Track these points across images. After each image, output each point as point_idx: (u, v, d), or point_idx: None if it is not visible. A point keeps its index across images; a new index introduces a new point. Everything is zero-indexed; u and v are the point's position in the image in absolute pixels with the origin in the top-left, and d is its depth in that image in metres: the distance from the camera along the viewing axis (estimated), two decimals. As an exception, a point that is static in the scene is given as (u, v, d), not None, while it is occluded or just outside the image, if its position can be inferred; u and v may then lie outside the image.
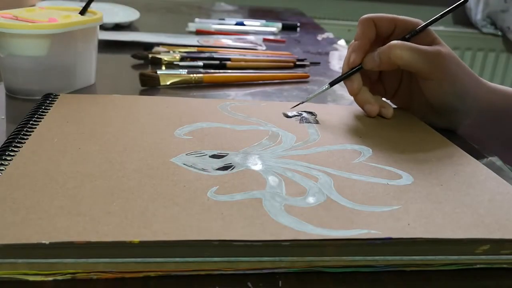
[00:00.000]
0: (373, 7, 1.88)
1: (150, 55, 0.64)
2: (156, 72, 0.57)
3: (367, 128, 0.44)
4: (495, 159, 0.43)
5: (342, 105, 0.54)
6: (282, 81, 0.63)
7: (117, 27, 0.86)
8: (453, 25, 2.00)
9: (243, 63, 0.65)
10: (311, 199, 0.31)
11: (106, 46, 0.72)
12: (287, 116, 0.46)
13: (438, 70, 0.45)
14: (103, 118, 0.42)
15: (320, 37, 0.98)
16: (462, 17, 1.98)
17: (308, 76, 0.65)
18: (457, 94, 0.46)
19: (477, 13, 1.90)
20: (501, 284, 0.28)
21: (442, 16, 0.47)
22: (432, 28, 0.47)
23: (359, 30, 0.47)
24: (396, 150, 0.40)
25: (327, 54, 0.83)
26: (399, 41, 0.45)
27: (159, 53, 0.66)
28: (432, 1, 1.82)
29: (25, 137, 0.37)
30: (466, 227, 0.29)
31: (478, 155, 0.41)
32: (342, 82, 0.49)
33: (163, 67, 0.64)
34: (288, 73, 0.66)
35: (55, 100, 0.45)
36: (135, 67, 0.64)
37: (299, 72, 0.67)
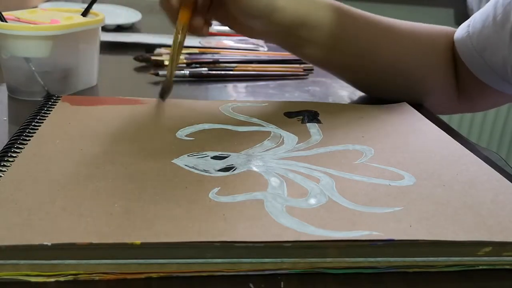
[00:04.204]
0: (373, 7, 1.88)
1: (152, 58, 0.64)
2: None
3: (369, 127, 0.44)
4: (496, 158, 0.43)
5: (344, 104, 0.54)
6: (283, 82, 0.63)
7: (119, 28, 0.86)
8: (454, 25, 2.00)
9: (249, 68, 0.65)
10: (312, 201, 0.31)
11: (108, 48, 0.72)
12: (289, 116, 0.46)
13: None
14: (105, 120, 0.42)
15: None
16: (464, 17, 1.99)
17: (302, 70, 0.66)
18: (258, 7, 0.45)
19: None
20: (503, 285, 0.28)
21: None
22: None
23: None
24: (398, 150, 0.40)
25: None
26: None
27: (161, 55, 0.66)
28: (433, 2, 1.82)
29: (27, 138, 0.37)
30: (468, 229, 0.29)
31: (480, 154, 0.41)
32: None
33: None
34: (284, 67, 0.66)
35: (57, 102, 0.45)
36: (137, 69, 0.64)
37: (304, 75, 0.66)
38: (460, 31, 0.54)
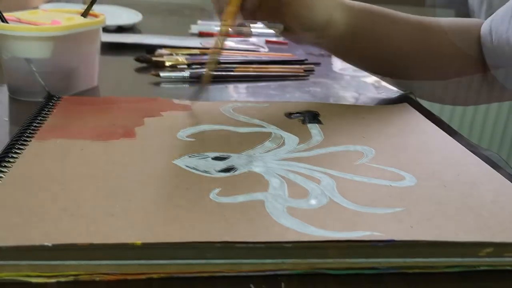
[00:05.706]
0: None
1: (153, 58, 0.64)
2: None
3: (370, 128, 0.44)
4: (497, 159, 0.43)
5: (345, 104, 0.54)
6: (284, 83, 0.63)
7: (120, 29, 0.86)
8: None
9: (250, 70, 0.65)
10: (313, 201, 0.31)
11: (108, 48, 0.72)
12: (290, 117, 0.46)
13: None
14: (105, 120, 0.42)
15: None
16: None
17: (303, 71, 0.66)
18: (315, 20, 0.48)
19: (480, 14, 1.90)
20: (504, 286, 0.28)
21: None
22: None
23: None
24: (399, 150, 0.40)
25: (329, 55, 0.83)
26: None
27: (162, 56, 0.66)
28: (433, 3, 1.81)
29: (28, 138, 0.37)
30: (469, 230, 0.29)
31: (481, 154, 0.41)
32: None
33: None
34: (284, 68, 0.66)
35: (58, 102, 0.45)
36: (138, 69, 0.64)
37: (305, 76, 0.66)
38: (485, 24, 0.55)
